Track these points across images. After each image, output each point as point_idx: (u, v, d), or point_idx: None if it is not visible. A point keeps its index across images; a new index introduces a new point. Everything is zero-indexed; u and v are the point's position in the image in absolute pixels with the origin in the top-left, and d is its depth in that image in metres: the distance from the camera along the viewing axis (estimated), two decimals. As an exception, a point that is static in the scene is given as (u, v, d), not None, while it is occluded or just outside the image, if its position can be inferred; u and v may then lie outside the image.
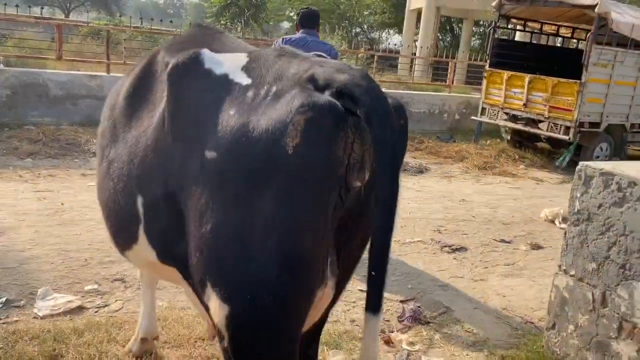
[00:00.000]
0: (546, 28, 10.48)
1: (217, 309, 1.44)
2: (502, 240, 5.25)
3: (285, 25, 32.12)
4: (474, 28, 27.54)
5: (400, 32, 29.71)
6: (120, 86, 2.01)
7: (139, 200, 1.68)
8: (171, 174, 1.55)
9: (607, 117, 8.56)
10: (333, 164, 1.36)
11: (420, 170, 7.81)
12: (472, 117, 10.13)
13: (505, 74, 9.15)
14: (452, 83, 12.53)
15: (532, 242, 5.27)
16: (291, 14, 30.52)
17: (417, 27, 25.48)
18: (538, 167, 8.93)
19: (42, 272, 3.57)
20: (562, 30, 10.67)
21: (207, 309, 1.51)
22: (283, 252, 1.36)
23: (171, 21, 10.20)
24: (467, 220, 5.79)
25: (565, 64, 10.46)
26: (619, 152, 9.20)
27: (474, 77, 14.32)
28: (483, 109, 9.76)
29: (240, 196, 1.37)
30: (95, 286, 3.47)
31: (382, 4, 26.93)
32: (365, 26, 30.88)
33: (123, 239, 1.86)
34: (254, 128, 1.36)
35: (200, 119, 1.49)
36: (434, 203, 6.32)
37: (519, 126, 9.09)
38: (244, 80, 1.52)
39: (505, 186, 7.54)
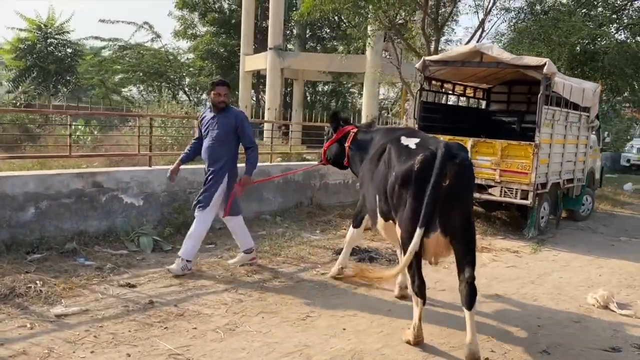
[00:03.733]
0: (455, 88, 10.41)
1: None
2: (612, 349, 4.35)
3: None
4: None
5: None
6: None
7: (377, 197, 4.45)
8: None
9: (551, 176, 8.54)
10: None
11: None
12: (406, 187, 9.39)
13: (442, 138, 8.63)
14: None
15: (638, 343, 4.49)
16: (99, 77, 27.55)
17: (253, 89, 24.94)
18: (491, 235, 8.50)
19: None
20: (467, 91, 10.73)
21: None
22: None
23: None
24: (531, 325, 4.79)
25: (478, 123, 10.55)
26: (555, 211, 9.29)
27: (311, 138, 13.32)
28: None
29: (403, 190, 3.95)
30: None
31: (211, 65, 25.80)
32: (187, 89, 29.27)
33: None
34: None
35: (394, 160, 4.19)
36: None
37: (467, 193, 8.56)
38: (413, 146, 4.14)
39: (501, 265, 6.85)
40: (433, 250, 4.03)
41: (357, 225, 5.58)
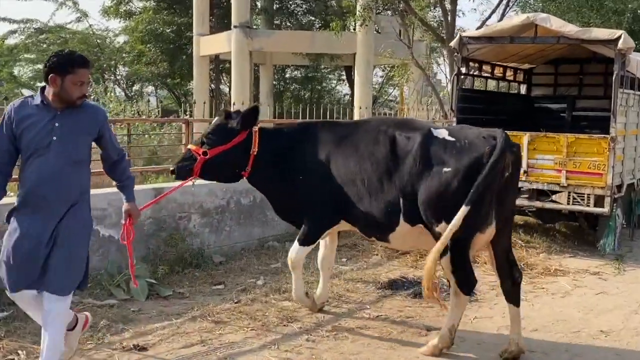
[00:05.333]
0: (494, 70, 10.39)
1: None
2: None
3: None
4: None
5: (176, 85, 28.43)
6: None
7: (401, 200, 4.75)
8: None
9: (625, 176, 8.55)
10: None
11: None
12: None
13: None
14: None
15: None
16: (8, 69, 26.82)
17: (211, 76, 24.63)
18: (557, 252, 8.43)
19: None
20: (507, 73, 10.72)
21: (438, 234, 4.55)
22: None
23: None
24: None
25: (518, 112, 10.55)
26: (628, 217, 9.29)
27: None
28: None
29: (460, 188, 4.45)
30: None
31: (154, 50, 25.32)
32: (124, 80, 28.68)
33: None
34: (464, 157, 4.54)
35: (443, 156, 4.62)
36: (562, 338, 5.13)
37: (524, 201, 8.50)
38: (451, 139, 4.66)
39: (588, 292, 6.78)
40: (482, 244, 4.76)
41: (312, 243, 5.43)
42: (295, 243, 5.38)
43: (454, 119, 8.93)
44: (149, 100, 22.81)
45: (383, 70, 33.04)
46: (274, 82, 30.45)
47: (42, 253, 3.74)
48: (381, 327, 5.47)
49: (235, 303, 5.93)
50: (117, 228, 6.62)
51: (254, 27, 26.49)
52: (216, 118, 5.45)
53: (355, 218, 5.11)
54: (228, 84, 28.63)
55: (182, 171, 5.31)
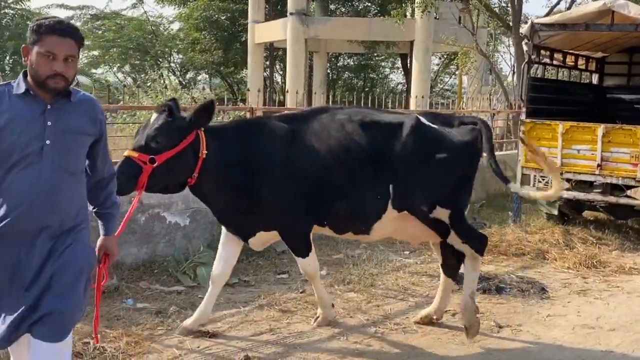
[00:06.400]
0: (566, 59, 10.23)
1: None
2: None
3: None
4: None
5: (229, 73, 28.74)
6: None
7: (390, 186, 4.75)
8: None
9: None
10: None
11: (543, 289, 6.45)
12: (512, 189, 9.12)
13: (561, 125, 8.41)
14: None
15: None
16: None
17: (265, 64, 24.82)
18: (630, 250, 8.25)
19: None
20: (579, 62, 10.54)
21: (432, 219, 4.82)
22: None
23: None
24: None
25: (589, 103, 10.36)
26: None
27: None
28: (524, 176, 8.89)
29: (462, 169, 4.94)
30: None
31: (209, 37, 25.65)
32: (178, 67, 29.15)
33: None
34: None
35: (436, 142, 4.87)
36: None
37: (597, 196, 8.35)
38: (436, 126, 4.90)
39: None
40: None
41: (310, 248, 4.96)
42: (298, 259, 4.97)
43: (524, 109, 8.82)
44: (204, 88, 23.17)
45: (439, 59, 32.77)
46: (329, 70, 30.49)
47: (33, 290, 2.91)
48: (451, 322, 5.46)
49: (301, 293, 6.02)
50: (182, 215, 6.88)
51: (309, 14, 26.60)
52: (155, 115, 4.49)
53: (330, 215, 4.81)
54: (281, 72, 28.86)
55: (125, 186, 4.15)
